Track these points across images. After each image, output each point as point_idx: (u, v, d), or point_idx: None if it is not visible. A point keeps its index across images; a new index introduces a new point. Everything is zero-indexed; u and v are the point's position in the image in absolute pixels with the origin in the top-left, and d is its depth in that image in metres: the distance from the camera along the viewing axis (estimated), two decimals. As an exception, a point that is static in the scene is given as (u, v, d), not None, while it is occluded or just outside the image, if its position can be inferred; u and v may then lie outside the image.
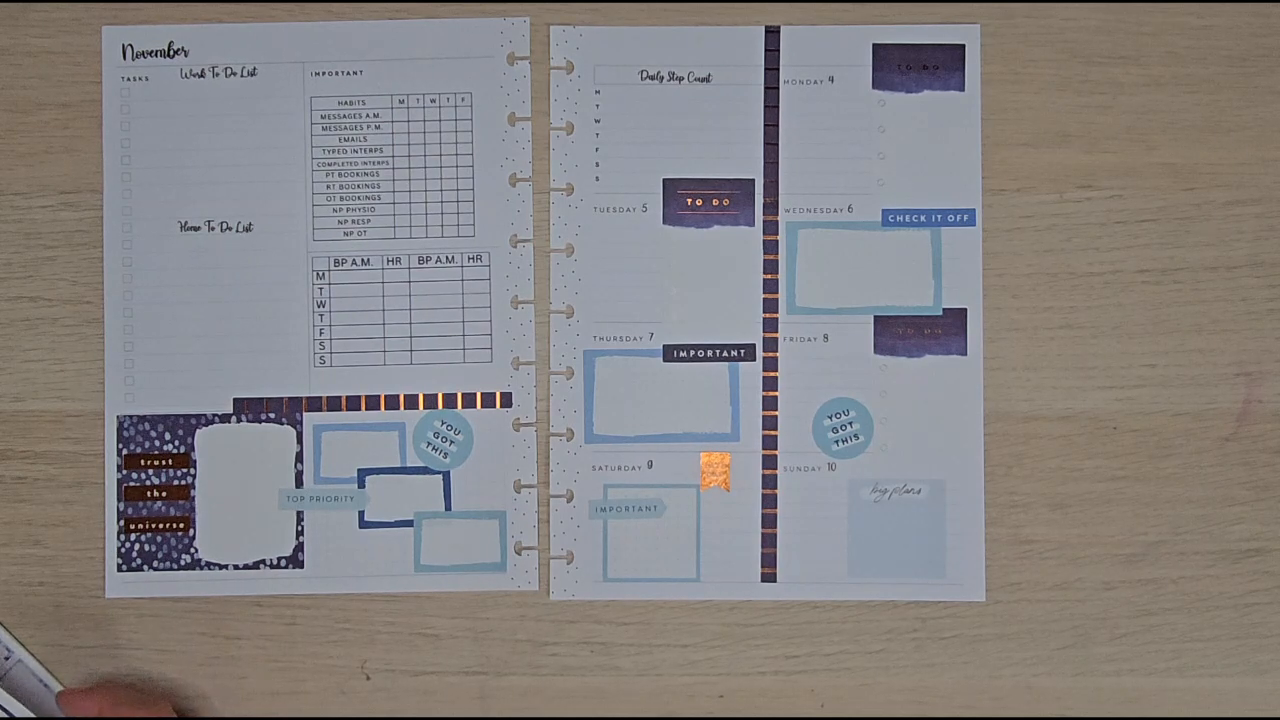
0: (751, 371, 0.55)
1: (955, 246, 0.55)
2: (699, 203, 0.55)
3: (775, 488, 0.55)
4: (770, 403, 0.55)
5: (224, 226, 0.55)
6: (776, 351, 0.55)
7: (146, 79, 0.55)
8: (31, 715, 0.54)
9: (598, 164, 0.55)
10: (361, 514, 0.55)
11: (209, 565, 0.55)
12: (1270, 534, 0.55)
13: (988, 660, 0.55)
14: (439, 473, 0.55)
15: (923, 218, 0.55)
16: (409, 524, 0.55)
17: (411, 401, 0.55)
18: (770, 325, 0.55)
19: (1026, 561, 0.55)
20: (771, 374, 0.55)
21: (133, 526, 0.55)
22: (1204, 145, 0.55)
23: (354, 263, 0.55)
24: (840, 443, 0.55)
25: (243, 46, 0.55)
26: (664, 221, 0.55)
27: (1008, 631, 0.55)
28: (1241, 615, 0.55)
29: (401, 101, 0.55)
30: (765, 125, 0.55)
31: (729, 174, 0.55)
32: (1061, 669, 0.55)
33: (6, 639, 0.54)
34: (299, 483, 0.55)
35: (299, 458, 0.55)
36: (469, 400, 0.55)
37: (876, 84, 0.55)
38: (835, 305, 0.55)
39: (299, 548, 0.55)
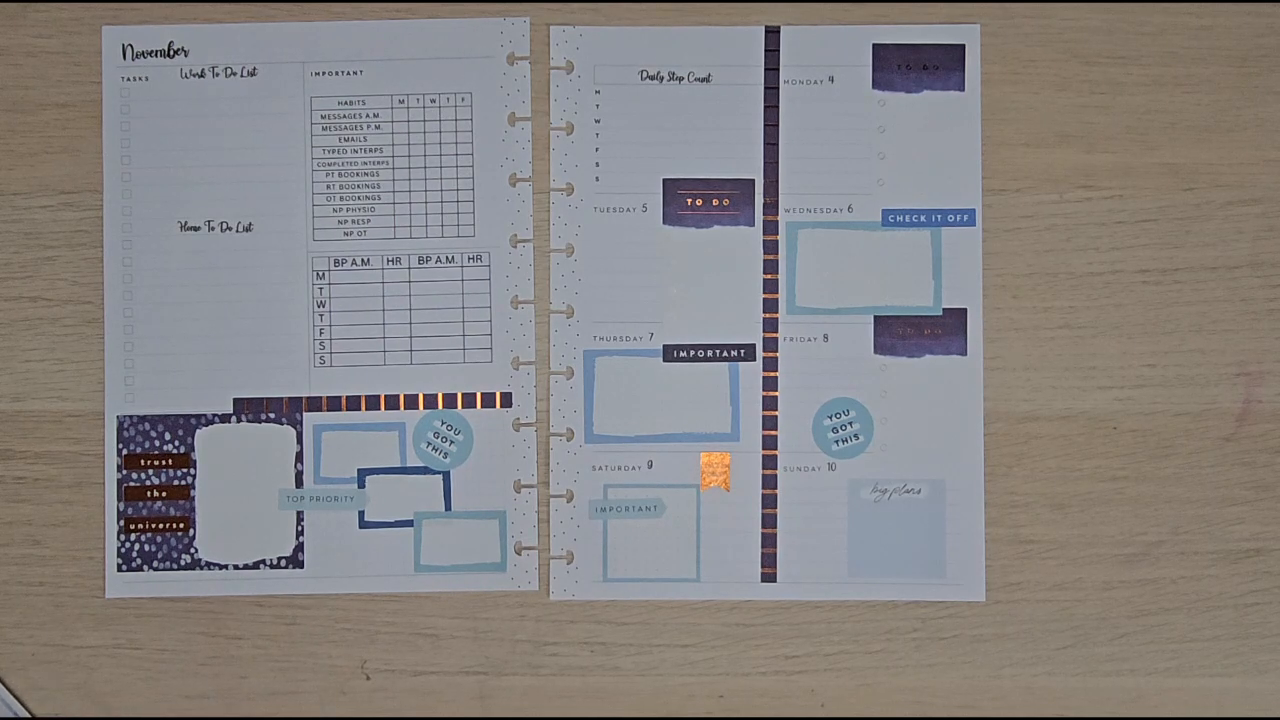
0: (751, 371, 0.55)
1: (955, 246, 0.55)
2: (699, 203, 0.55)
3: (775, 488, 0.55)
4: (770, 403, 0.55)
5: (224, 226, 0.55)
6: (776, 351, 0.55)
7: (146, 79, 0.55)
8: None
9: (598, 164, 0.55)
10: (361, 514, 0.55)
11: (209, 565, 0.55)
12: (1270, 534, 0.55)
13: (988, 660, 0.55)
14: (439, 473, 0.55)
15: (923, 218, 0.55)
16: (409, 524, 0.55)
17: (411, 401, 0.55)
18: (770, 325, 0.55)
19: (1026, 561, 0.55)
20: (771, 374, 0.55)
21: (133, 526, 0.55)
22: (1204, 145, 0.55)
23: (354, 263, 0.55)
24: (840, 443, 0.55)
25: (243, 46, 0.55)
26: (664, 221, 0.55)
27: (1008, 631, 0.55)
28: (1241, 615, 0.55)
29: (401, 101, 0.55)
30: (765, 125, 0.55)
31: (729, 174, 0.55)
32: (1061, 669, 0.55)
33: None
34: (299, 483, 0.55)
35: (299, 458, 0.55)
36: (469, 400, 0.55)
37: (876, 84, 0.55)
38: (835, 305, 0.55)
39: (299, 548, 0.55)
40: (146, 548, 0.55)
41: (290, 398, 0.55)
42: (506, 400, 0.55)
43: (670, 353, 0.55)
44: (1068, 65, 0.55)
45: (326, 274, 0.55)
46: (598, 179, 0.55)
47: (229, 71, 0.55)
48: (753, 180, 0.55)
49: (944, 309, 0.55)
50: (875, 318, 0.55)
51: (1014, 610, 0.55)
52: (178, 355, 0.55)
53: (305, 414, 0.55)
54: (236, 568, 0.55)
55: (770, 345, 0.55)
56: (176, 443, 0.55)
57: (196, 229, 0.55)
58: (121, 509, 0.55)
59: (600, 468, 0.55)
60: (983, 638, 0.55)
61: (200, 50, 0.55)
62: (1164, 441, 0.55)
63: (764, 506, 0.55)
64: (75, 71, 0.55)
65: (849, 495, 0.55)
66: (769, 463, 0.55)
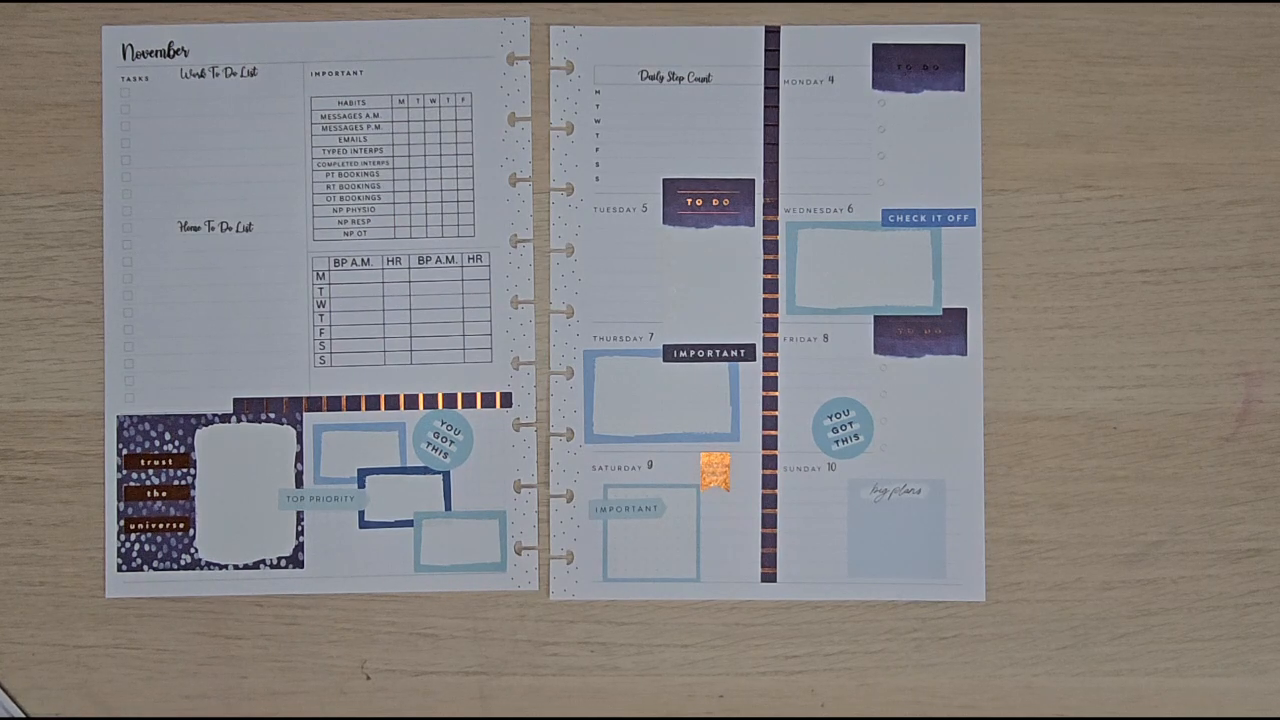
0: (751, 371, 0.55)
1: (955, 246, 0.55)
2: (699, 203, 0.55)
3: (775, 488, 0.55)
4: (770, 403, 0.55)
5: (224, 226, 0.55)
6: (776, 351, 0.55)
7: (146, 79, 0.55)
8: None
9: (598, 164, 0.55)
10: (361, 514, 0.55)
11: (209, 565, 0.55)
12: (1270, 534, 0.55)
13: (988, 660, 0.55)
14: (439, 473, 0.55)
15: (923, 218, 0.55)
16: (409, 524, 0.55)
17: (411, 401, 0.55)
18: (770, 325, 0.55)
19: (1026, 561, 0.55)
20: (771, 374, 0.55)
21: (133, 526, 0.55)
22: (1204, 145, 0.55)
23: (354, 263, 0.55)
24: (840, 443, 0.55)
25: (243, 46, 0.55)
26: (664, 221, 0.55)
27: (1008, 631, 0.55)
28: (1241, 615, 0.55)
29: (401, 101, 0.55)
30: (765, 125, 0.55)
31: (729, 174, 0.55)
32: (1061, 669, 0.55)
33: None
34: (299, 483, 0.55)
35: (299, 458, 0.55)
36: (469, 400, 0.55)
37: (876, 84, 0.55)
38: (835, 305, 0.55)
39: (299, 548, 0.55)
40: (146, 548, 0.55)
41: (290, 398, 0.55)
42: (506, 400, 0.55)
43: (670, 353, 0.55)
44: (1068, 65, 0.55)
45: (326, 274, 0.55)
46: (598, 179, 0.55)
47: (229, 71, 0.55)
48: (753, 180, 0.55)
49: (944, 309, 0.55)
50: (875, 318, 0.55)
51: (1014, 610, 0.55)
52: (178, 355, 0.55)
53: (305, 414, 0.55)
54: (236, 568, 0.55)
55: (770, 345, 0.55)
56: (176, 443, 0.55)
57: (196, 229, 0.55)
58: (121, 509, 0.55)
59: (600, 468, 0.55)
60: (983, 638, 0.55)
61: (200, 50, 0.55)
62: (1164, 441, 0.55)
63: (764, 506, 0.55)
64: (75, 71, 0.55)
65: (849, 495, 0.55)
66: (769, 463, 0.55)
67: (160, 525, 0.55)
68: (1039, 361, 0.55)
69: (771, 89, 0.55)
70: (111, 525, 0.55)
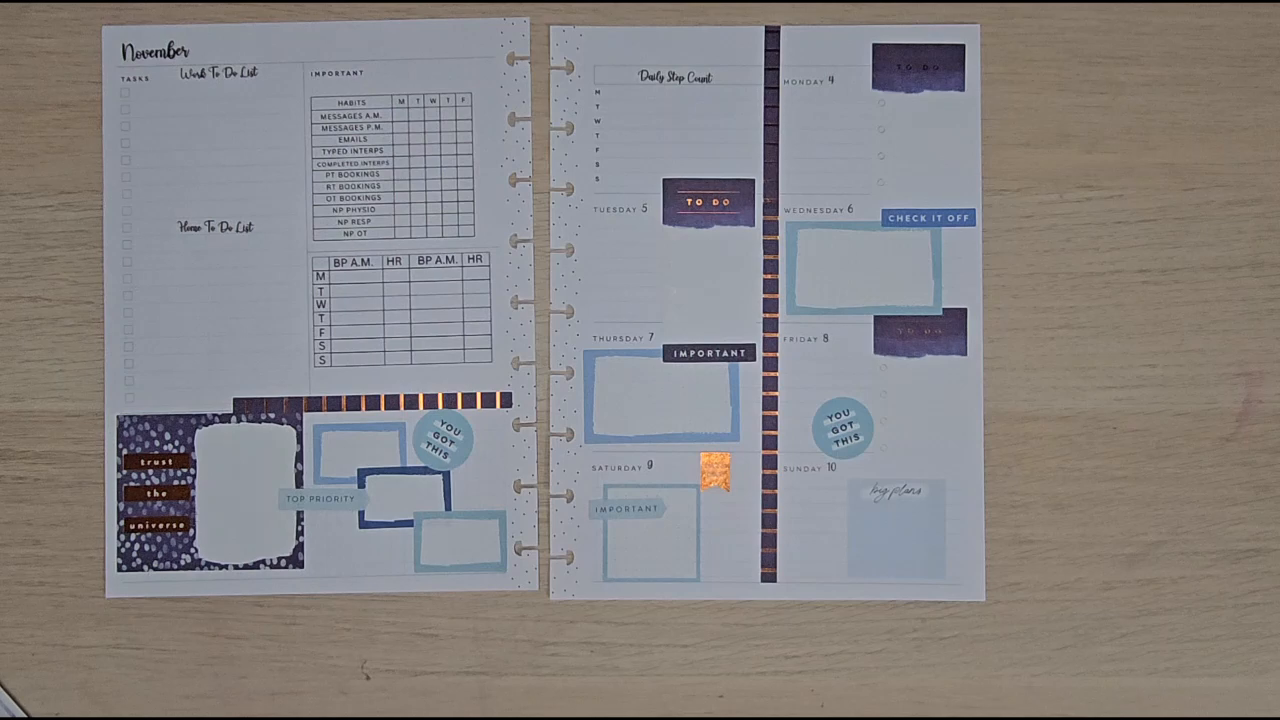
0: (751, 371, 0.55)
1: (955, 246, 0.55)
2: (699, 203, 0.55)
3: (775, 488, 0.55)
4: (770, 403, 0.55)
5: (224, 226, 0.55)
6: (776, 351, 0.55)
7: (146, 79, 0.55)
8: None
9: (598, 164, 0.55)
10: (361, 514, 0.55)
11: (209, 565, 0.55)
12: (1270, 534, 0.55)
13: (988, 660, 0.55)
14: (439, 473, 0.55)
15: (923, 218, 0.55)
16: (409, 524, 0.55)
17: (411, 401, 0.55)
18: (770, 325, 0.55)
19: (1026, 561, 0.55)
20: (771, 374, 0.55)
21: (133, 526, 0.55)
22: (1204, 145, 0.55)
23: (354, 263, 0.55)
24: (840, 443, 0.55)
25: (243, 46, 0.55)
26: (664, 221, 0.55)
27: (1008, 631, 0.55)
28: (1241, 615, 0.55)
29: (401, 101, 0.55)
30: (765, 125, 0.55)
31: (729, 174, 0.55)
32: (1061, 669, 0.55)
33: None
34: (299, 483, 0.55)
35: (299, 458, 0.55)
36: (469, 400, 0.55)
37: (876, 84, 0.55)
38: (835, 305, 0.55)
39: (299, 548, 0.55)
40: (146, 548, 0.55)
41: (290, 398, 0.55)
42: (506, 400, 0.55)
43: (670, 353, 0.55)
44: (1068, 65, 0.55)
45: (326, 274, 0.55)
46: (598, 179, 0.55)
47: (229, 71, 0.55)
48: (753, 180, 0.55)
49: (944, 309, 0.55)
50: (875, 318, 0.55)
51: (1014, 610, 0.55)
52: (178, 355, 0.55)
53: (305, 414, 0.55)
54: (236, 568, 0.55)
55: (770, 345, 0.55)
56: (176, 443, 0.55)
57: (196, 229, 0.55)
58: (121, 509, 0.55)
59: (600, 468, 0.55)
60: (983, 638, 0.55)
61: (200, 50, 0.55)
62: (1164, 441, 0.55)
63: (764, 506, 0.55)
64: (75, 71, 0.55)
65: (849, 495, 0.55)
66: (769, 463, 0.55)
67: (160, 525, 0.55)
68: (1039, 361, 0.55)
69: (771, 89, 0.55)
70: (111, 525, 0.55)
